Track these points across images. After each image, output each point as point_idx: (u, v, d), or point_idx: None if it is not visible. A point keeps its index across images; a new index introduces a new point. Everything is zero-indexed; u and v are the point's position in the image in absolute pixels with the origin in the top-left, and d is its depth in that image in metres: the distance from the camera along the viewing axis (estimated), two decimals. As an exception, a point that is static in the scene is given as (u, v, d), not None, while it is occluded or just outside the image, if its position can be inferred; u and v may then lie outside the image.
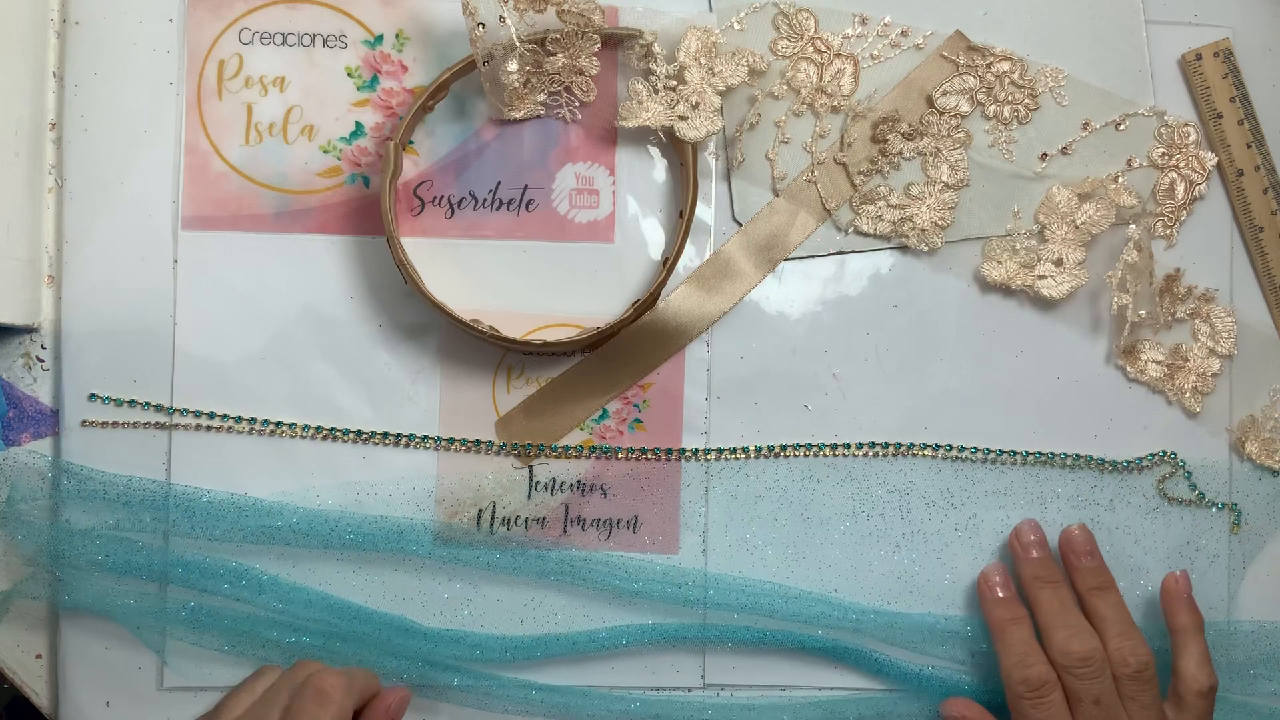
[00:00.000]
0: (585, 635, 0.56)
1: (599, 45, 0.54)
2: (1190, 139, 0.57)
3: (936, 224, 0.56)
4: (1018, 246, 0.56)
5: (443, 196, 0.56)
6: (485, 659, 0.55)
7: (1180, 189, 0.57)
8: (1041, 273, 0.56)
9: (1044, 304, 0.57)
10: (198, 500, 0.54)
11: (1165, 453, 0.57)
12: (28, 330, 0.55)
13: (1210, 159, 0.57)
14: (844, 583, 0.56)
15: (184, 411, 0.55)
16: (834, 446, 0.57)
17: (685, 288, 0.56)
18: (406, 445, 0.56)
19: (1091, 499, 0.57)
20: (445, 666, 0.55)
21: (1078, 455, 0.57)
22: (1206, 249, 0.58)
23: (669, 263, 0.54)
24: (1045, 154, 0.57)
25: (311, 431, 0.56)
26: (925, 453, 0.57)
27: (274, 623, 0.55)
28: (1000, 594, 0.55)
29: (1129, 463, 0.57)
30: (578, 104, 0.56)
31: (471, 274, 0.56)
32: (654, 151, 0.56)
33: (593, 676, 0.56)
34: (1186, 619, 0.53)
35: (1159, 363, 0.57)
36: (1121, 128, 0.57)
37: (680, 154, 0.55)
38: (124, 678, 0.56)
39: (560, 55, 0.54)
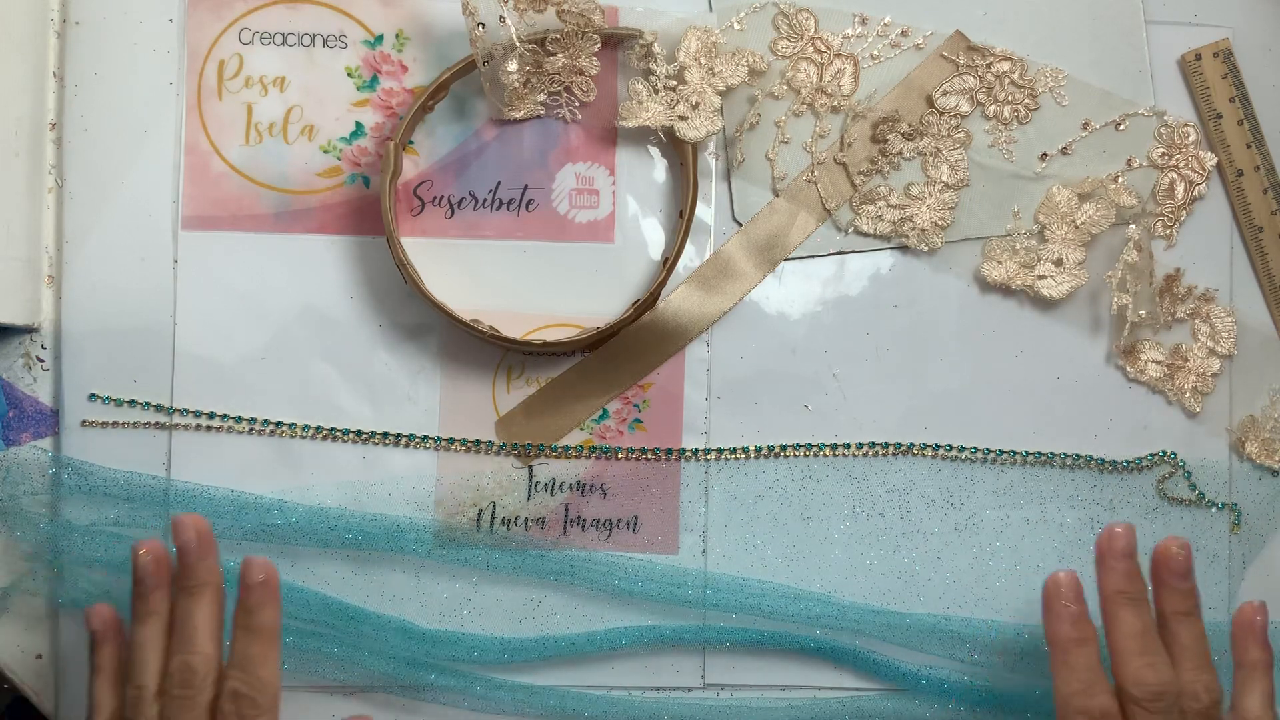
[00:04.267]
0: (584, 636, 0.55)
1: (599, 45, 0.54)
2: (1190, 139, 0.57)
3: (936, 224, 0.56)
4: (1018, 246, 0.56)
5: (443, 196, 0.56)
6: (483, 660, 0.55)
7: (1180, 189, 0.57)
8: (1041, 273, 0.56)
9: (1044, 304, 0.57)
10: (198, 496, 0.54)
11: (1165, 453, 0.57)
12: (28, 330, 0.55)
13: (1210, 159, 0.57)
14: (844, 582, 0.56)
15: (184, 411, 0.55)
16: (834, 446, 0.57)
17: (685, 288, 0.56)
18: (406, 445, 0.56)
19: (1091, 499, 0.57)
20: (443, 669, 0.55)
21: (1078, 455, 0.57)
22: (1206, 249, 0.58)
23: (669, 263, 0.54)
24: (1045, 154, 0.57)
25: (311, 431, 0.56)
26: (925, 452, 0.57)
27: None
28: (1071, 607, 0.47)
29: (1129, 463, 0.57)
30: (578, 104, 0.56)
31: (471, 274, 0.56)
32: (654, 151, 0.56)
33: (592, 677, 0.56)
34: (1258, 654, 0.48)
35: (1159, 363, 0.57)
36: (1121, 128, 0.57)
37: (680, 154, 0.55)
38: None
39: (560, 55, 0.54)
